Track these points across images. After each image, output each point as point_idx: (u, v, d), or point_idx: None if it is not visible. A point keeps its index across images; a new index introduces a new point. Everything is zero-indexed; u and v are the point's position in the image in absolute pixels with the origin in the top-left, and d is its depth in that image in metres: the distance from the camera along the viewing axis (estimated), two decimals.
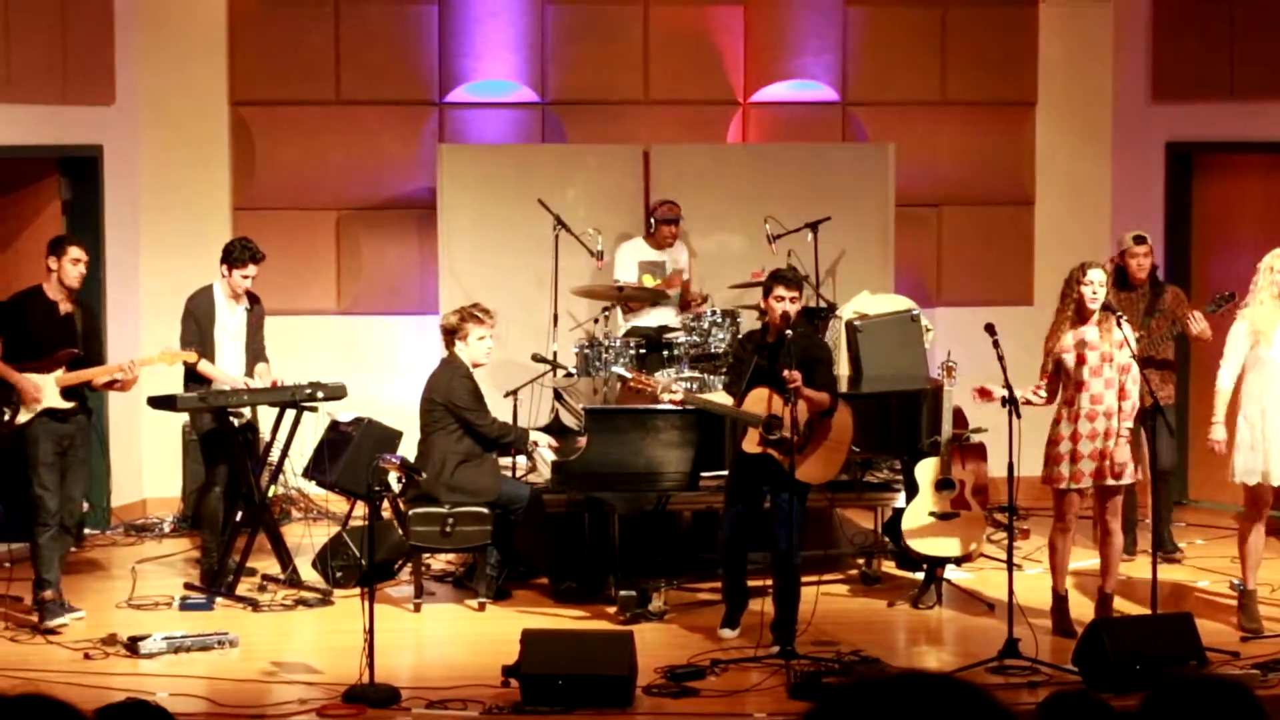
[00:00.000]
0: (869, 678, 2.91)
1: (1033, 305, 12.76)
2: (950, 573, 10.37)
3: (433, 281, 12.46)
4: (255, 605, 10.09)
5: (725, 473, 9.60)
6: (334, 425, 10.87)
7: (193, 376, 10.48)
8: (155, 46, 12.49)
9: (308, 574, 10.50)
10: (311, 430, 10.69)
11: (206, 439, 10.61)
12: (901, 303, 11.22)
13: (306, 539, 11.06)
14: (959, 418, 10.31)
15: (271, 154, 12.73)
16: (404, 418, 10.84)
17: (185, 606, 10.05)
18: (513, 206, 12.24)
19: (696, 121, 13.01)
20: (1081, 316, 9.30)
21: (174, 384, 10.64)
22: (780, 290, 9.17)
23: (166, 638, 9.19)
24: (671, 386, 9.45)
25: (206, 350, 10.45)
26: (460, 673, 8.72)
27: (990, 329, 9.21)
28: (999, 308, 11.97)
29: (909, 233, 12.82)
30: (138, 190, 12.52)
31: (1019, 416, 8.92)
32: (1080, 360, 9.28)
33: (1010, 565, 9.15)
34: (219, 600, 10.14)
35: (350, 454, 10.63)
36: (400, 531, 10.43)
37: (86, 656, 9.08)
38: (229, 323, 10.57)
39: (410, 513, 10.06)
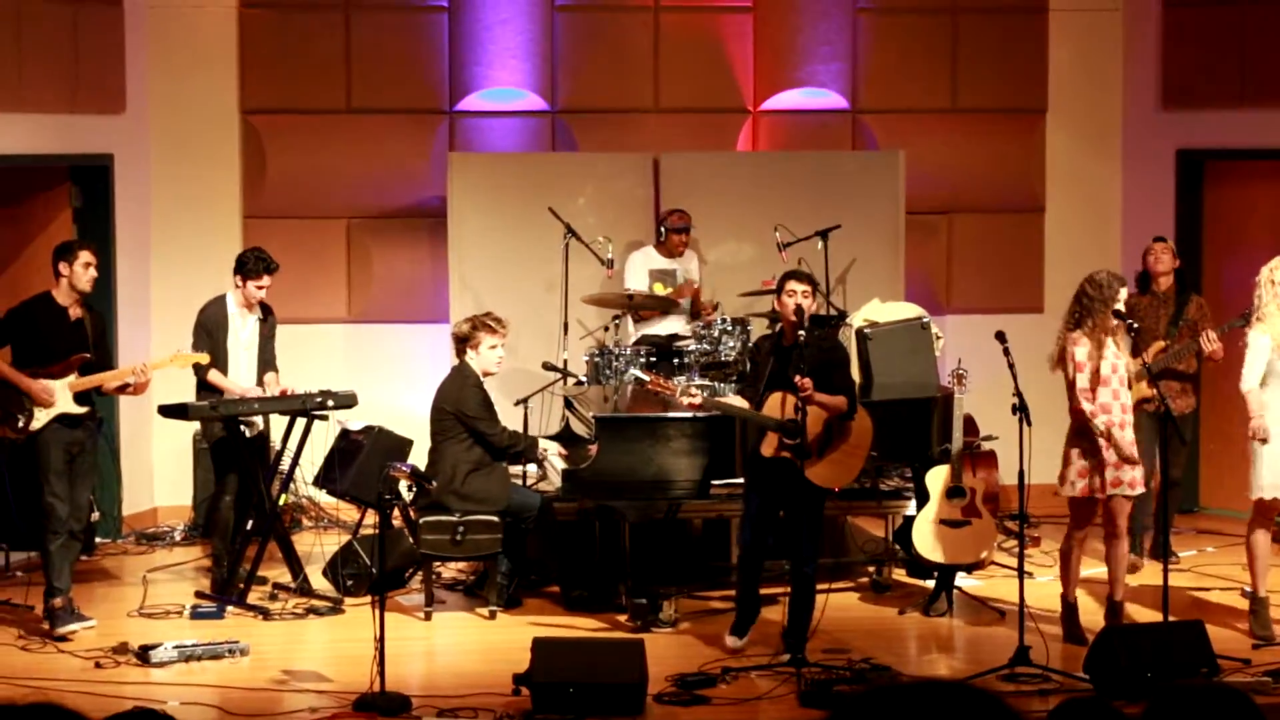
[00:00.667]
0: (885, 685, 2.91)
1: (1043, 312, 12.72)
2: (961, 580, 10.36)
3: (443, 290, 12.46)
4: (266, 614, 10.09)
5: (736, 480, 9.58)
6: (344, 433, 10.87)
7: (204, 386, 10.49)
8: (166, 55, 12.50)
9: (318, 582, 10.51)
10: (322, 438, 10.67)
11: (217, 447, 10.61)
12: (912, 310, 11.20)
13: (317, 547, 11.05)
14: (970, 425, 10.30)
15: (282, 162, 12.74)
16: (414, 426, 10.85)
17: (196, 615, 10.06)
18: (523, 215, 12.24)
19: (706, 129, 13.00)
20: (1104, 328, 9.27)
21: (185, 393, 10.64)
22: (792, 284, 9.15)
23: (177, 646, 9.19)
24: (690, 389, 9.44)
25: (219, 361, 10.44)
26: (471, 681, 8.72)
27: (1001, 336, 9.20)
28: (1009, 315, 11.97)
29: (919, 240, 12.81)
30: (148, 199, 12.53)
31: (1030, 424, 8.90)
32: (1096, 371, 9.27)
33: (1021, 573, 9.13)
34: (230, 609, 10.15)
35: (361, 462, 10.64)
36: (411, 540, 10.42)
37: (97, 665, 9.08)
38: (242, 333, 10.56)
39: (421, 521, 10.06)
